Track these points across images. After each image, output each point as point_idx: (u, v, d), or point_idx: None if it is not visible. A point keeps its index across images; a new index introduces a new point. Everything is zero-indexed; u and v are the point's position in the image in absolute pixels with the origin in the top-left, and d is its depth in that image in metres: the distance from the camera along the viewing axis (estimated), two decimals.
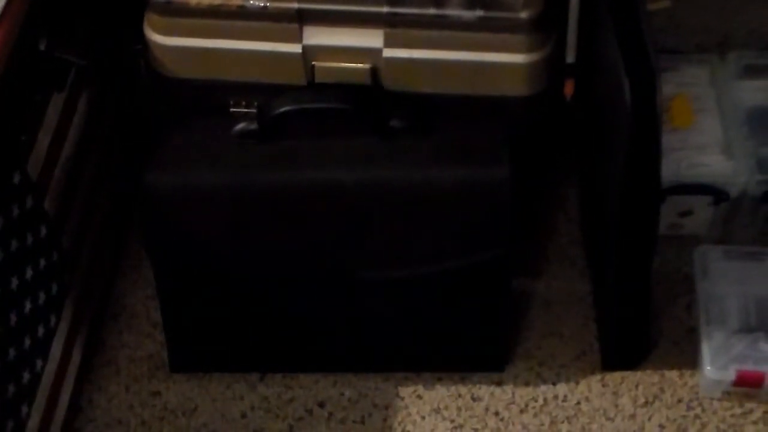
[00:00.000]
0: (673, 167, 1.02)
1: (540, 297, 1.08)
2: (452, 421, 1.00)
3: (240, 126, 0.93)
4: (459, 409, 1.01)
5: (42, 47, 0.89)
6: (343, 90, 0.91)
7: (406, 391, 1.02)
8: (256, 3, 0.89)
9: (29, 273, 0.88)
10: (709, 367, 0.97)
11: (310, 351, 1.03)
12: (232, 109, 0.94)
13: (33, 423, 0.90)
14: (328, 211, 0.93)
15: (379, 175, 0.91)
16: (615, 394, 1.01)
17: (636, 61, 0.75)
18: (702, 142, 1.06)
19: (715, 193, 1.03)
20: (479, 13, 0.88)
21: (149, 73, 0.96)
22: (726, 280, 1.01)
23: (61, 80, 0.93)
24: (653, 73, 0.74)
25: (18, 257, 0.86)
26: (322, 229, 0.94)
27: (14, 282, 0.86)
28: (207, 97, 0.94)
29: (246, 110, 0.94)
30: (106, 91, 1.03)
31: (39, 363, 0.91)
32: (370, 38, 0.90)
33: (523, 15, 0.88)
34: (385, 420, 1.00)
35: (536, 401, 1.01)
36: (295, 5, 0.89)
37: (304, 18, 0.90)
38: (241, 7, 0.89)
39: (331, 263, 0.96)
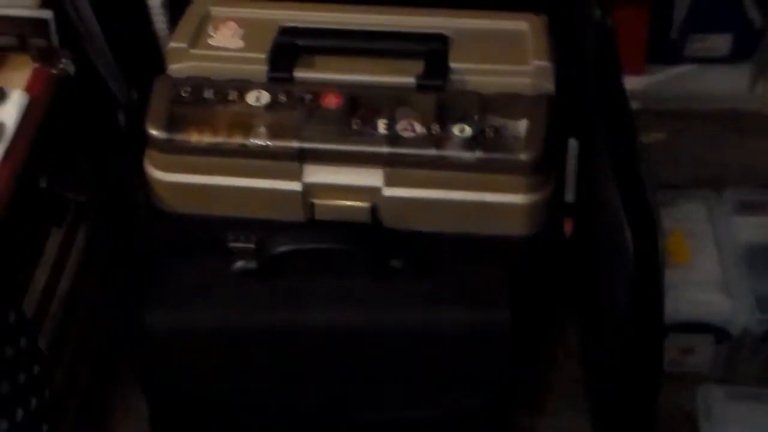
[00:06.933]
0: (673, 305, 1.02)
1: None
2: None
3: (239, 264, 0.92)
4: None
5: (43, 184, 0.89)
6: (342, 229, 0.91)
7: None
8: (258, 141, 0.90)
9: (20, 414, 0.86)
10: None
11: None
12: (230, 244, 0.94)
13: None
14: (327, 352, 0.92)
15: (378, 317, 0.90)
16: None
17: (637, 211, 0.76)
18: (700, 280, 1.05)
19: (715, 332, 1.02)
20: (479, 154, 0.88)
21: (148, 208, 0.96)
22: (730, 422, 0.99)
23: (60, 216, 0.93)
24: (655, 228, 0.74)
25: (8, 398, 0.84)
26: (321, 370, 0.93)
27: (3, 424, 0.83)
28: (206, 232, 0.94)
29: (244, 245, 0.94)
30: (104, 226, 1.03)
31: None
32: (370, 177, 0.90)
33: (524, 157, 0.88)
34: None
35: None
36: (296, 144, 0.89)
37: (304, 157, 0.90)
38: (243, 145, 0.90)
39: (328, 404, 0.94)
